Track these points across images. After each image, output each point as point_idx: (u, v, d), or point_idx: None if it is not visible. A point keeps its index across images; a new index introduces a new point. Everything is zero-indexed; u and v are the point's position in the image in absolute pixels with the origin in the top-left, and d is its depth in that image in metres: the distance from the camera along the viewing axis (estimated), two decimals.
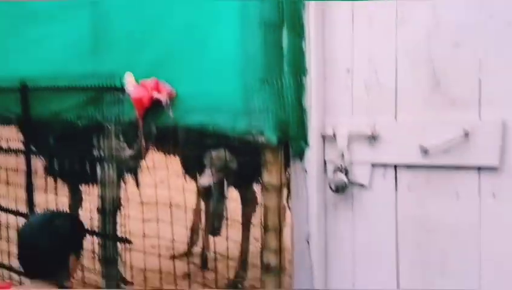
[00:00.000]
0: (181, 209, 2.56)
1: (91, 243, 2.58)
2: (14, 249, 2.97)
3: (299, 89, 1.97)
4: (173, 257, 2.86)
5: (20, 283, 2.43)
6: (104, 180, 2.46)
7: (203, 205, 3.65)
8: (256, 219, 2.20)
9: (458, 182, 1.88)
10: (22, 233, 1.64)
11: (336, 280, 2.12)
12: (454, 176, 1.88)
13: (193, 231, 3.95)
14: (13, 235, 3.01)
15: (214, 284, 2.68)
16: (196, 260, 3.88)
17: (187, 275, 3.40)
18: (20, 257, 1.64)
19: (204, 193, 2.52)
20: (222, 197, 2.43)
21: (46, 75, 2.56)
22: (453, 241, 1.91)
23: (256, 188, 2.93)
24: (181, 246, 3.65)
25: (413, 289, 1.98)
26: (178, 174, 2.73)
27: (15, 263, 3.01)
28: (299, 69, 1.96)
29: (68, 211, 2.89)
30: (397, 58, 1.93)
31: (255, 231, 2.22)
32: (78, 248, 1.69)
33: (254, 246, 2.14)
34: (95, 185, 2.59)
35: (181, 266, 3.45)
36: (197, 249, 3.99)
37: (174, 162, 2.66)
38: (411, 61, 1.91)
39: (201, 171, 2.33)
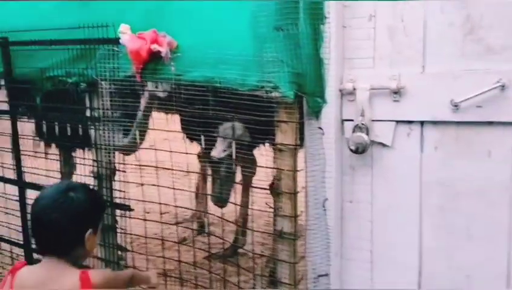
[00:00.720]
0: (181, 174, 2.38)
1: None
2: (3, 218, 2.83)
3: (317, 38, 1.77)
4: (176, 224, 2.70)
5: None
6: (98, 143, 2.26)
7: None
8: (268, 182, 2.03)
9: (490, 140, 1.72)
10: (34, 207, 1.47)
11: (353, 247, 1.98)
12: (487, 133, 1.72)
13: (198, 196, 3.80)
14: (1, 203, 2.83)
15: (215, 249, 2.54)
16: (195, 225, 3.76)
17: (188, 241, 3.28)
18: (34, 233, 1.48)
19: (210, 161, 2.34)
20: (231, 170, 2.27)
21: (30, 28, 2.31)
22: (481, 204, 1.77)
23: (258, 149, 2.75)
24: (182, 212, 3.50)
25: (437, 255, 1.86)
26: (179, 135, 2.53)
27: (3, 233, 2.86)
28: (316, 16, 1.76)
29: (60, 177, 2.70)
30: (426, 1, 1.73)
31: (267, 196, 2.05)
32: (95, 222, 1.50)
33: (266, 212, 2.00)
34: (89, 149, 2.39)
35: (180, 232, 3.31)
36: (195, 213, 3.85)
37: (175, 123, 2.47)
38: (442, 4, 1.71)
39: (204, 133, 2.13)
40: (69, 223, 1.41)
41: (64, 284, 1.39)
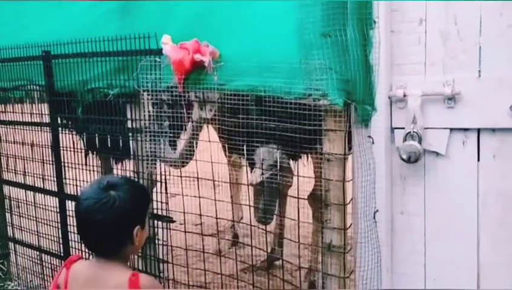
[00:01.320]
0: (223, 185, 2.34)
1: None
2: (43, 230, 2.84)
3: (366, 44, 1.70)
4: (217, 234, 2.65)
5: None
6: (139, 155, 2.24)
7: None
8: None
9: None
10: (77, 207, 1.43)
11: (405, 261, 1.89)
12: None
13: (234, 206, 3.76)
14: (40, 215, 2.84)
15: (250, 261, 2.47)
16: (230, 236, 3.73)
17: (223, 252, 3.24)
18: (80, 234, 1.47)
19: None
20: (274, 193, 2.22)
21: (71, 40, 2.32)
22: None
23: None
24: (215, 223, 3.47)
25: (496, 270, 1.75)
26: (220, 146, 2.49)
27: (43, 244, 2.87)
28: (365, 21, 1.69)
29: None
30: (481, 2, 1.64)
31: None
32: (141, 217, 1.45)
33: (314, 225, 1.95)
34: (129, 160, 2.38)
35: (215, 243, 3.27)
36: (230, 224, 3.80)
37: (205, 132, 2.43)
38: (499, 5, 1.63)
39: (247, 144, 2.08)
40: (114, 224, 1.37)
41: (113, 282, 1.37)
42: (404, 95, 1.77)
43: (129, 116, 2.24)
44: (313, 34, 1.69)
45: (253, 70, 1.82)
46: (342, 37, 1.67)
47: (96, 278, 1.38)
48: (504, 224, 1.73)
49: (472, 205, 1.76)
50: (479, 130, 1.72)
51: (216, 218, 2.15)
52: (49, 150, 2.61)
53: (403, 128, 1.80)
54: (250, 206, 2.47)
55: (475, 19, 1.66)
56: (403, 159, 1.78)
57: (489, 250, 1.75)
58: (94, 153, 2.57)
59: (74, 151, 2.57)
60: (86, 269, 1.42)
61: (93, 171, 2.48)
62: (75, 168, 2.53)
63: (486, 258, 1.76)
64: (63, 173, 2.55)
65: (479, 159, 1.73)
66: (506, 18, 1.62)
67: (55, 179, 2.62)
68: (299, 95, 1.72)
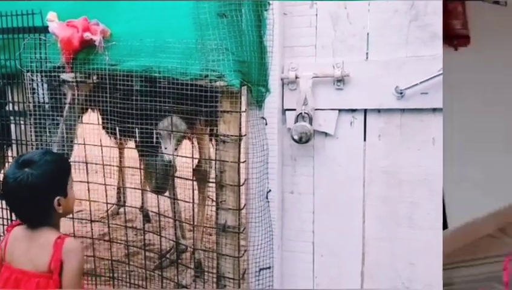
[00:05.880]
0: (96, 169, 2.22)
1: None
2: None
3: (260, 25, 1.72)
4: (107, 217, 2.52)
5: None
6: (20, 140, 2.07)
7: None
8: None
9: (435, 127, 1.74)
10: (2, 185, 1.50)
11: (294, 239, 1.95)
12: (432, 121, 1.74)
13: (119, 189, 3.62)
14: None
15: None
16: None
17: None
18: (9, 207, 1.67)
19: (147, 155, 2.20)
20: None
21: None
22: (425, 192, 1.78)
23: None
24: (97, 210, 3.30)
25: (380, 244, 1.86)
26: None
27: None
28: (260, 2, 1.71)
29: None
30: None
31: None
32: (60, 188, 1.48)
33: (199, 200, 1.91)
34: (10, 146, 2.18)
35: (96, 230, 3.12)
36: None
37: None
38: None
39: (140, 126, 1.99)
40: (31, 199, 1.43)
41: (42, 241, 1.47)
42: (296, 77, 1.82)
43: (10, 98, 2.05)
44: (209, 14, 1.67)
45: (147, 50, 1.76)
46: (237, 18, 1.67)
47: (30, 237, 1.48)
48: (387, 200, 1.84)
49: (359, 183, 1.85)
50: (365, 111, 1.81)
51: (106, 203, 2.04)
52: None
53: (294, 109, 1.85)
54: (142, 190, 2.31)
55: (364, 3, 1.75)
56: (294, 140, 1.82)
57: (374, 225, 1.86)
58: None
59: None
60: (23, 230, 1.51)
61: None
62: None
63: (370, 233, 1.87)
64: None
65: (365, 139, 1.83)
66: (392, 3, 1.72)
67: None
68: (195, 76, 1.69)
